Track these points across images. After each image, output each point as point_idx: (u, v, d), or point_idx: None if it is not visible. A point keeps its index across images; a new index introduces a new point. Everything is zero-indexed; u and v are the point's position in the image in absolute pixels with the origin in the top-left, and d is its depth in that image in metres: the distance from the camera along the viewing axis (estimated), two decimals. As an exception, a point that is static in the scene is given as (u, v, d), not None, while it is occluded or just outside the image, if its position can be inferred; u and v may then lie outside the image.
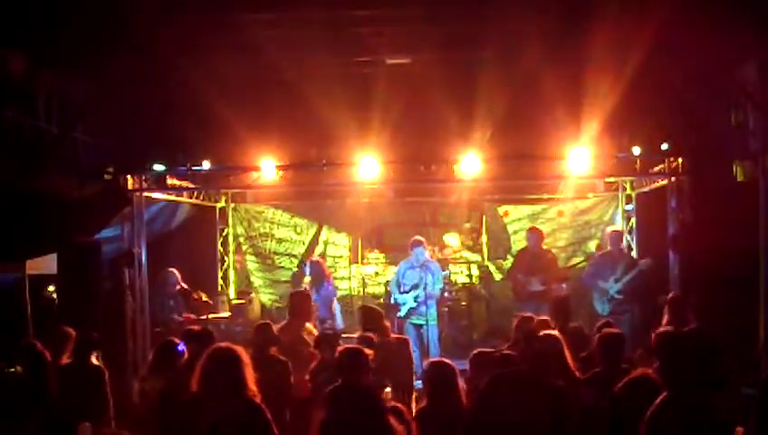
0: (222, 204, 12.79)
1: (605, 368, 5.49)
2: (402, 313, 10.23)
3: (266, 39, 8.54)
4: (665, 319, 7.16)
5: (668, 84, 9.14)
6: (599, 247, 11.56)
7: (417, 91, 9.46)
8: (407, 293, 10.28)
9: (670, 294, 7.76)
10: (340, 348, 5.64)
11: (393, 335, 7.68)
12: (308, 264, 11.10)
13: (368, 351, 5.53)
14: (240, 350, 4.70)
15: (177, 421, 4.72)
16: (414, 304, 10.17)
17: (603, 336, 5.76)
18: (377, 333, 7.17)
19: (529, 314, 7.54)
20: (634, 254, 11.46)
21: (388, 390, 6.51)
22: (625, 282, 10.20)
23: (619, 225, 11.98)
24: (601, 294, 10.30)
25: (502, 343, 7.25)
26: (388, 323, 7.56)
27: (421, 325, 10.16)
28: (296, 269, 11.64)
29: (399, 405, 4.96)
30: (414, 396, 6.91)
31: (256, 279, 12.82)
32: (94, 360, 7.01)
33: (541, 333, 5.68)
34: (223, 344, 4.91)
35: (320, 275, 10.66)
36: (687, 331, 6.73)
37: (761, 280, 8.09)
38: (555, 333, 5.76)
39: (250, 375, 4.56)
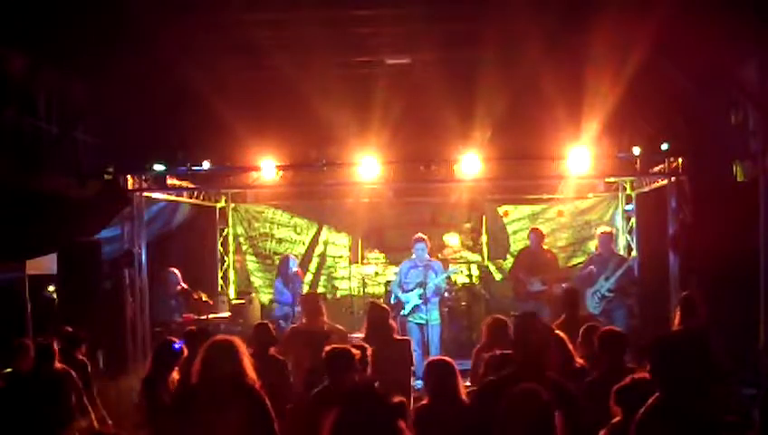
0: (222, 204, 12.79)
1: (608, 368, 5.43)
2: (406, 310, 10.22)
3: (266, 39, 8.56)
4: (677, 318, 7.07)
5: (668, 84, 9.14)
6: (597, 247, 11.58)
7: (417, 91, 9.47)
8: (410, 291, 10.27)
9: (683, 294, 7.59)
10: (327, 348, 5.63)
11: (396, 336, 7.66)
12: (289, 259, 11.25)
13: (355, 351, 5.53)
14: (238, 340, 4.82)
15: (178, 413, 4.81)
16: (418, 301, 10.16)
17: (602, 335, 5.60)
18: (381, 331, 7.15)
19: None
20: (634, 253, 11.48)
21: (375, 385, 6.46)
22: (616, 277, 10.26)
23: (619, 224, 12.01)
24: (592, 298, 10.35)
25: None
26: (394, 324, 7.54)
27: (423, 324, 10.15)
28: (296, 269, 11.65)
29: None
30: (413, 396, 6.90)
31: (256, 279, 12.82)
32: (81, 356, 7.09)
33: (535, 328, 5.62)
34: (221, 336, 5.08)
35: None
36: (677, 331, 6.70)
37: (761, 280, 8.09)
38: (558, 333, 5.70)
39: (248, 364, 4.68)
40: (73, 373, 6.46)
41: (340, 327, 8.16)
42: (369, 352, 5.80)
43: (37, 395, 6.17)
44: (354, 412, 3.69)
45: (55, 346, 6.45)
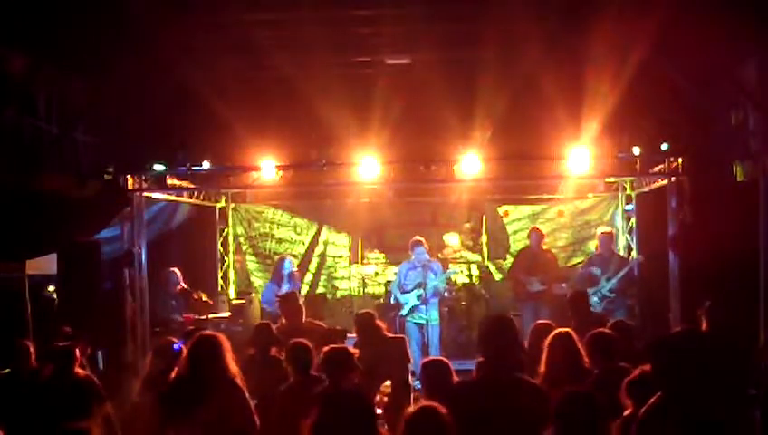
0: (222, 204, 12.80)
1: (601, 370, 5.42)
2: (404, 311, 10.23)
3: (266, 39, 8.55)
4: (703, 326, 7.02)
5: (668, 85, 9.14)
6: (598, 247, 11.59)
7: (417, 91, 9.47)
8: (409, 293, 10.27)
9: (707, 303, 7.50)
10: (325, 348, 5.64)
11: (388, 334, 7.66)
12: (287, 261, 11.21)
13: (353, 350, 5.54)
14: (221, 337, 5.12)
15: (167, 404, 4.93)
16: (417, 302, 10.17)
17: (590, 338, 5.62)
18: (371, 333, 7.14)
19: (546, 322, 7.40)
20: (634, 253, 11.49)
21: (387, 383, 6.48)
22: (618, 278, 10.27)
23: (619, 224, 12.02)
24: (593, 298, 10.33)
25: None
26: (381, 323, 7.53)
27: (423, 324, 10.15)
28: (295, 269, 11.65)
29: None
30: (413, 396, 6.90)
31: (256, 279, 12.83)
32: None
33: (552, 335, 5.61)
34: (206, 332, 5.43)
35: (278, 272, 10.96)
36: (677, 332, 6.67)
37: (761, 280, 8.08)
38: (566, 331, 5.69)
39: (230, 359, 4.99)
40: (96, 380, 6.44)
41: (322, 324, 8.15)
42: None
43: (60, 400, 6.09)
44: (331, 414, 3.71)
45: (77, 351, 6.41)
